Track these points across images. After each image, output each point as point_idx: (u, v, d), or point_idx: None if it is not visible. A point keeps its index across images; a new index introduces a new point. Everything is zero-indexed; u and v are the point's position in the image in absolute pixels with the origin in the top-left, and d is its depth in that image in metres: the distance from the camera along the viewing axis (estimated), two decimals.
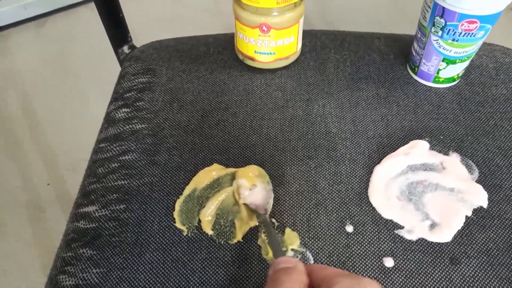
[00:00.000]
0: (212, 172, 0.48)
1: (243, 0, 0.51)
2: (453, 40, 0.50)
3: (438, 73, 0.54)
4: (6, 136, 1.23)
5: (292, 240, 0.44)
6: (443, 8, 0.48)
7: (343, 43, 0.63)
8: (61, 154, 1.20)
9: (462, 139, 0.51)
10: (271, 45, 0.54)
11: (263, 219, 0.43)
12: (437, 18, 0.49)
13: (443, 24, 0.49)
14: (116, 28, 0.66)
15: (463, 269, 0.42)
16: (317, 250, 0.43)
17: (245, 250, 0.43)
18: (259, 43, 0.54)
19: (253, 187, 0.46)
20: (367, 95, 0.56)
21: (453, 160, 0.49)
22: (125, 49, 0.68)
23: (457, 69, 0.54)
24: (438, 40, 0.51)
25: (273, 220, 0.45)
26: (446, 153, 0.50)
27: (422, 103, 0.55)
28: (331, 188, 0.47)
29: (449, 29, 0.49)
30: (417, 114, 0.54)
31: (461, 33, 0.49)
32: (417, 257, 0.42)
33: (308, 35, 0.64)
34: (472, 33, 0.48)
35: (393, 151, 0.50)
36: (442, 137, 0.51)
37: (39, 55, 1.45)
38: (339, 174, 0.48)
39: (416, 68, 0.56)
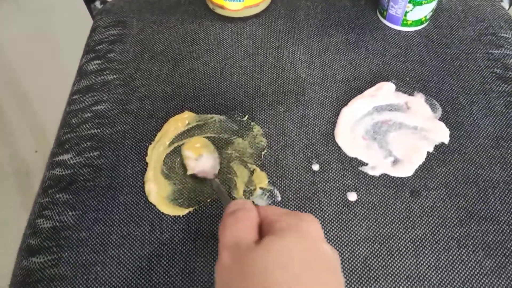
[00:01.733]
0: (184, 119, 0.50)
1: None
2: None
3: (405, 15, 0.55)
4: None
5: (260, 179, 0.46)
6: None
7: None
8: (47, 122, 1.20)
9: (427, 80, 0.52)
10: None
11: (215, 184, 0.44)
12: None
13: None
14: None
15: (422, 201, 0.44)
16: (284, 188, 0.45)
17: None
18: None
19: (200, 157, 0.47)
20: (337, 40, 0.57)
21: (418, 100, 0.50)
22: (97, 4, 0.68)
23: (424, 11, 0.54)
24: None
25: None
26: (411, 94, 0.51)
27: (390, 47, 0.56)
28: (299, 130, 0.49)
29: None
30: (384, 57, 0.55)
31: None
32: (379, 191, 0.44)
33: None
34: None
35: (360, 94, 0.51)
36: (408, 79, 0.52)
37: (20, 27, 1.42)
38: (307, 117, 0.50)
39: (384, 12, 0.57)
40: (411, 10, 0.54)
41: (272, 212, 0.32)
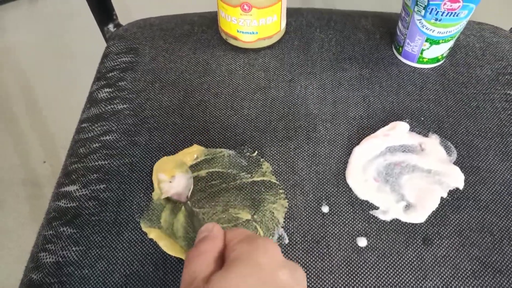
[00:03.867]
0: (193, 153, 0.49)
1: None
2: (436, 19, 0.49)
3: (422, 53, 0.54)
4: (3, 114, 1.24)
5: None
6: None
7: (329, 22, 0.63)
8: (56, 132, 1.20)
9: (443, 121, 0.51)
10: (253, 24, 0.54)
11: (187, 207, 0.44)
12: None
13: (426, 3, 0.48)
14: (100, 6, 0.65)
15: (435, 249, 0.42)
16: (292, 230, 0.44)
17: None
18: (241, 22, 0.54)
19: (173, 179, 0.46)
20: (350, 75, 0.56)
21: (432, 141, 0.49)
22: (111, 27, 0.68)
23: (441, 50, 0.53)
24: (421, 19, 0.50)
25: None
26: (426, 135, 0.50)
27: (405, 84, 0.55)
28: (309, 169, 0.48)
29: (432, 8, 0.48)
30: (399, 95, 0.54)
31: (444, 12, 0.48)
32: (390, 237, 0.43)
33: (294, 14, 0.64)
34: (455, 12, 0.48)
35: (373, 133, 0.50)
36: (422, 119, 0.51)
37: (34, 32, 1.44)
38: (317, 155, 0.49)
39: (400, 48, 0.56)
40: (427, 48, 0.53)
41: (233, 237, 0.32)
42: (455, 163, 0.48)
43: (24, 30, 1.45)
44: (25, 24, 1.47)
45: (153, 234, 0.44)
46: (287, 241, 0.43)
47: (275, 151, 0.49)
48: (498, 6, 1.39)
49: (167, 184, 0.46)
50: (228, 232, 0.33)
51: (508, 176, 0.46)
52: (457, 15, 0.48)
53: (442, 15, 0.48)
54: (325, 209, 0.45)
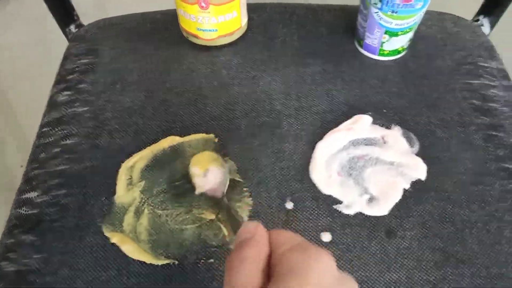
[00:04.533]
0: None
1: None
2: (393, 12, 0.49)
3: (382, 46, 0.54)
4: None
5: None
6: None
7: (292, 17, 0.62)
8: (33, 136, 1.18)
9: (405, 112, 0.51)
10: (213, 21, 0.53)
11: (224, 204, 0.42)
12: None
13: None
14: (60, 7, 0.64)
15: (398, 241, 0.42)
16: None
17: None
18: (200, 19, 0.53)
19: (206, 173, 0.45)
20: (313, 70, 0.56)
21: (395, 133, 0.49)
22: (72, 28, 0.66)
23: (401, 42, 0.53)
24: (378, 12, 0.50)
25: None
26: (388, 127, 0.50)
27: (368, 77, 0.55)
28: (273, 165, 0.48)
29: (388, 1, 0.48)
30: (361, 88, 0.54)
31: (399, 4, 0.48)
32: (354, 231, 0.43)
33: (257, 9, 0.63)
34: (411, 4, 0.48)
35: (337, 127, 0.50)
36: (385, 111, 0.51)
37: (10, 35, 1.40)
38: (282, 152, 0.49)
39: (361, 42, 0.56)
40: (387, 41, 0.53)
41: (281, 242, 0.28)
42: (418, 154, 0.48)
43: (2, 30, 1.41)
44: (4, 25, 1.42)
45: (115, 238, 0.43)
46: None
47: (239, 149, 0.49)
48: None
49: (201, 179, 0.44)
50: (273, 235, 0.29)
51: (470, 165, 0.47)
52: (412, 6, 0.48)
53: (398, 7, 0.48)
54: (289, 205, 0.45)
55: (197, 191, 0.44)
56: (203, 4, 0.51)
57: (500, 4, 0.64)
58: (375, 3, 0.50)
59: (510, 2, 0.63)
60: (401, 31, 0.52)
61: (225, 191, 0.44)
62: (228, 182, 0.45)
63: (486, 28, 0.66)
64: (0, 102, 1.24)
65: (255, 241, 0.28)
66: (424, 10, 0.50)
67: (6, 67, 1.31)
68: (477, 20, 0.66)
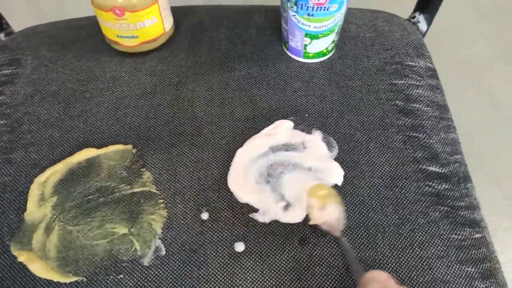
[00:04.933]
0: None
1: None
2: (309, 15, 0.48)
3: (305, 48, 0.53)
4: None
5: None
6: None
7: (222, 20, 0.61)
8: None
9: (327, 116, 0.51)
10: (132, 28, 0.52)
11: (343, 244, 0.40)
12: None
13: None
14: None
15: (310, 249, 0.42)
16: (170, 241, 0.43)
17: None
18: (118, 26, 0.52)
19: (324, 206, 0.42)
20: (238, 75, 0.55)
21: (315, 138, 0.49)
22: (2, 36, 0.65)
23: (324, 44, 0.53)
24: (295, 15, 0.49)
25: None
26: (309, 132, 0.50)
27: (292, 81, 0.54)
28: (191, 175, 0.47)
29: (302, 4, 0.47)
30: (285, 92, 0.53)
31: (313, 7, 0.47)
32: (268, 239, 0.43)
33: (188, 12, 0.62)
34: (325, 7, 0.47)
35: (258, 133, 0.50)
36: (307, 115, 0.51)
37: None
38: (200, 161, 0.48)
39: (287, 44, 0.55)
40: (309, 43, 0.52)
41: None
42: (336, 158, 0.48)
43: None
44: None
45: (23, 257, 0.42)
46: (164, 252, 0.42)
47: (157, 159, 0.48)
48: None
49: (318, 212, 0.42)
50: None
51: (387, 168, 0.47)
52: (327, 9, 0.48)
53: (313, 10, 0.48)
54: (205, 216, 0.44)
55: (311, 222, 0.42)
56: (118, 12, 0.50)
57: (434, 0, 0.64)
58: (292, 7, 0.49)
59: None
60: (322, 34, 0.51)
61: (342, 229, 0.42)
62: (344, 222, 0.43)
63: (423, 25, 0.66)
64: None
65: None
66: (342, 12, 0.49)
67: None
68: (414, 17, 0.66)
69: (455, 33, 1.26)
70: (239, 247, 0.43)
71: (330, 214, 0.42)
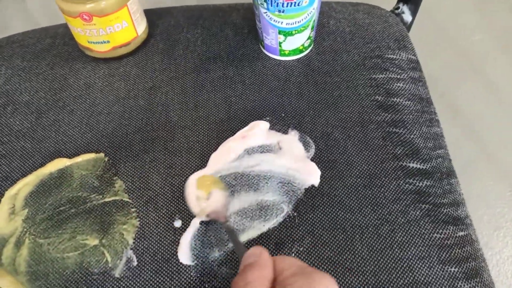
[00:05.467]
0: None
1: None
2: (280, 11, 0.47)
3: (280, 46, 0.52)
4: None
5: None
6: None
7: (198, 20, 0.60)
8: None
9: (304, 115, 0.49)
10: (102, 33, 0.51)
11: (227, 227, 0.40)
12: None
13: None
14: None
15: (286, 253, 0.41)
16: (142, 251, 0.42)
17: None
18: (88, 32, 0.51)
19: (210, 195, 0.43)
20: (213, 76, 0.53)
21: (291, 138, 0.47)
22: None
23: (299, 40, 0.51)
24: (267, 12, 0.48)
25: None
26: (286, 132, 0.48)
27: (269, 80, 0.53)
28: (164, 182, 0.46)
29: (271, 0, 0.46)
30: (261, 92, 0.52)
31: (283, 3, 0.46)
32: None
33: (163, 14, 0.61)
34: (295, 2, 0.46)
35: (232, 136, 0.48)
36: (283, 115, 0.49)
37: None
38: (174, 167, 0.47)
39: (262, 42, 0.54)
40: (284, 41, 0.51)
41: (287, 267, 0.30)
42: (313, 158, 0.46)
43: None
44: None
45: None
46: (135, 263, 0.41)
47: (130, 167, 0.47)
48: None
49: (205, 202, 0.42)
50: (277, 260, 0.31)
51: (365, 167, 0.45)
52: (298, 5, 0.46)
53: (284, 6, 0.46)
54: (178, 223, 0.43)
55: (200, 214, 0.42)
56: (85, 17, 0.49)
57: None
58: (262, 4, 0.47)
59: None
60: (295, 30, 0.49)
61: (227, 215, 0.42)
62: (229, 207, 0.43)
63: (407, 16, 0.64)
64: None
65: (259, 265, 0.30)
66: (314, 6, 0.48)
67: None
68: (398, 8, 0.64)
69: (451, 22, 1.24)
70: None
71: (215, 203, 0.42)
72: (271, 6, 0.47)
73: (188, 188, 0.44)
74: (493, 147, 0.98)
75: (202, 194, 0.43)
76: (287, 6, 0.46)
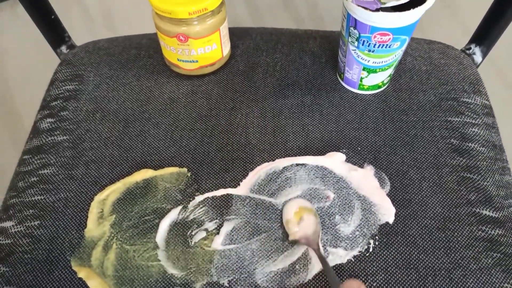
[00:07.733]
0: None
1: (157, 11, 0.50)
2: (369, 51, 0.49)
3: (361, 81, 0.54)
4: None
5: None
6: (355, 19, 0.47)
7: (277, 45, 0.62)
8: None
9: (379, 150, 0.51)
10: (192, 53, 0.54)
11: (319, 256, 0.42)
12: (351, 28, 0.48)
13: (357, 35, 0.48)
14: (50, 29, 0.65)
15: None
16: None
17: None
18: (180, 51, 0.53)
19: (301, 221, 0.44)
20: (292, 103, 0.56)
21: (367, 173, 0.49)
22: (64, 49, 0.67)
23: (380, 77, 0.53)
24: (355, 50, 0.50)
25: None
26: (361, 166, 0.50)
27: (346, 112, 0.54)
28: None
29: (364, 41, 0.48)
30: (338, 123, 0.53)
31: (375, 44, 0.48)
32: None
33: (243, 35, 0.63)
34: (387, 44, 0.47)
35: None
36: (359, 148, 0.51)
37: (17, 35, 1.42)
38: None
39: (342, 75, 0.56)
40: (366, 77, 0.53)
41: None
42: (388, 195, 0.48)
43: (7, 33, 1.44)
44: (7, 28, 1.45)
45: (82, 273, 0.44)
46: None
47: (211, 184, 0.49)
48: (459, 20, 1.37)
49: (295, 225, 0.44)
50: None
51: (439, 209, 0.47)
52: (389, 47, 0.48)
53: (374, 47, 0.48)
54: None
55: (290, 238, 0.44)
56: (181, 38, 0.52)
57: (492, 32, 0.63)
58: (352, 42, 0.49)
59: (503, 31, 0.62)
60: (380, 68, 0.51)
61: (319, 242, 0.43)
62: (320, 234, 0.44)
63: (478, 57, 0.65)
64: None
65: None
66: (403, 48, 0.49)
67: (13, 67, 1.34)
68: (469, 49, 0.65)
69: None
70: None
71: (306, 228, 0.43)
72: (362, 45, 0.48)
73: (285, 208, 0.46)
74: None
75: (293, 218, 0.45)
76: (378, 47, 0.48)
